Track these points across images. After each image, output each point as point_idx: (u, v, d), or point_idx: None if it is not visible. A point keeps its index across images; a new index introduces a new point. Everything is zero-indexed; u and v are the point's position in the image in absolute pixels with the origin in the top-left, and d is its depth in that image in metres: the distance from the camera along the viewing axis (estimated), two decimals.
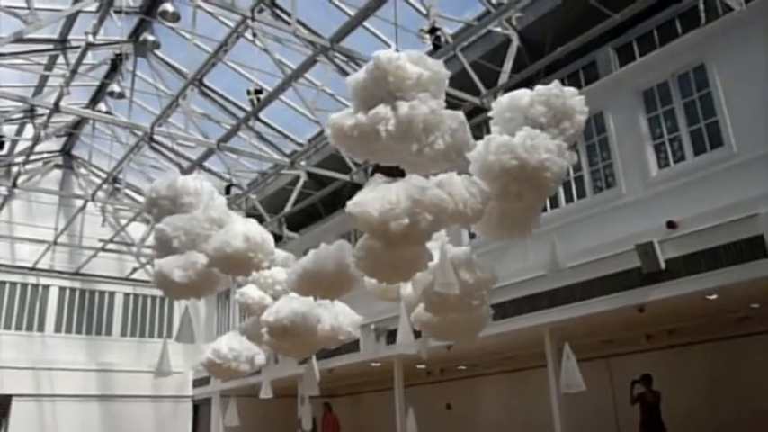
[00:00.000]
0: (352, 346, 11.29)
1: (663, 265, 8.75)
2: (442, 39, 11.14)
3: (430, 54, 11.86)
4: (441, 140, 4.80)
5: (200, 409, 20.39)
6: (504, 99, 5.59)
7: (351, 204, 4.74)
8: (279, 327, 7.13)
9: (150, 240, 20.07)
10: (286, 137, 15.55)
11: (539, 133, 5.18)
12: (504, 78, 11.38)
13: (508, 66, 11.42)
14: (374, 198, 4.70)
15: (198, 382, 19.55)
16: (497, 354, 13.25)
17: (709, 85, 9.32)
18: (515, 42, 11.69)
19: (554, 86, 5.38)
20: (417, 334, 6.43)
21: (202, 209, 7.46)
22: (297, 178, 15.79)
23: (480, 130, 12.94)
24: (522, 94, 5.49)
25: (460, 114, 4.95)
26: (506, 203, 5.38)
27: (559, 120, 5.31)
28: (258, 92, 12.12)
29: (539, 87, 5.41)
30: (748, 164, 8.56)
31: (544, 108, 5.29)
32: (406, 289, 6.28)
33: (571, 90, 5.44)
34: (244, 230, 6.90)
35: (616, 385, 12.24)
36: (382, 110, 4.77)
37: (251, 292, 7.79)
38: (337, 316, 7.47)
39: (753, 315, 10.49)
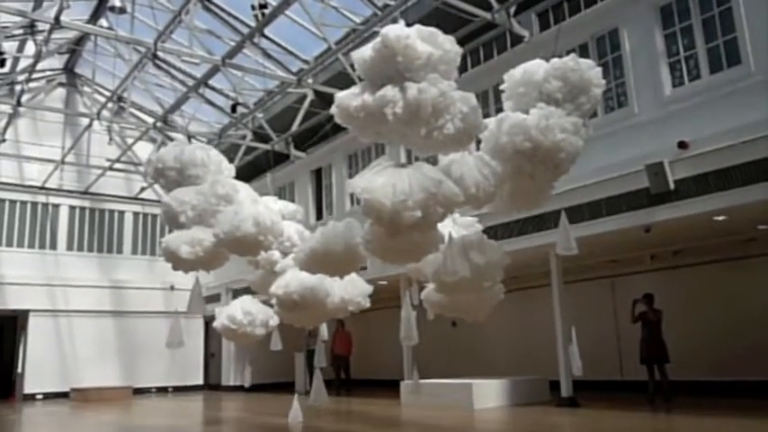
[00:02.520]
0: None
1: (672, 186, 8.71)
2: None
3: None
4: (450, 124, 4.61)
5: (210, 325, 20.92)
6: (516, 72, 5.37)
7: (360, 189, 4.58)
8: (288, 300, 7.19)
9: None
10: (292, 54, 15.21)
11: (554, 111, 4.97)
12: None
13: None
14: (385, 186, 4.54)
15: (209, 299, 19.98)
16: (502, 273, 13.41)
17: None
18: None
19: (570, 59, 5.16)
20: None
21: (209, 183, 7.44)
22: (303, 97, 15.56)
23: (491, 47, 12.63)
24: (537, 68, 5.25)
25: (472, 97, 4.75)
26: (519, 182, 5.25)
27: (576, 95, 5.12)
28: (263, 6, 11.73)
29: (554, 60, 5.18)
30: (765, 83, 8.34)
31: (560, 83, 5.08)
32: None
33: (587, 62, 5.23)
34: (253, 214, 6.88)
35: (619, 304, 12.45)
36: (390, 92, 4.57)
37: None
38: (346, 287, 7.48)
39: (758, 237, 10.51)
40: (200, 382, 20.56)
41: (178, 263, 7.51)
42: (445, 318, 6.64)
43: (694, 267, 11.71)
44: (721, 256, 11.32)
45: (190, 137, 7.68)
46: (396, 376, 13.39)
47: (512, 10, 11.28)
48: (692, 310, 11.36)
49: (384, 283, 12.42)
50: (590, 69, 5.22)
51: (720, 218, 9.08)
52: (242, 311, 8.50)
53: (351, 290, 7.64)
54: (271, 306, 8.06)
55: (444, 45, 4.78)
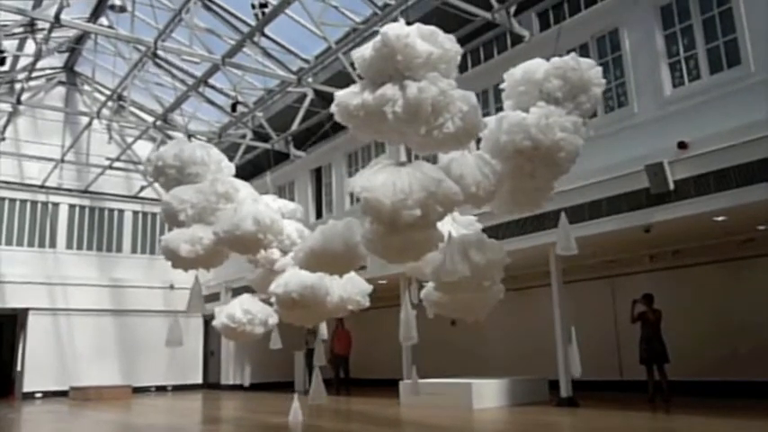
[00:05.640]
0: None
1: (672, 186, 8.70)
2: None
3: None
4: (450, 123, 4.62)
5: (210, 324, 20.90)
6: (517, 72, 5.38)
7: (359, 188, 4.58)
8: (287, 299, 7.17)
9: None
10: (292, 53, 15.20)
11: (553, 110, 4.99)
12: None
13: None
14: (384, 184, 4.54)
15: (208, 298, 19.96)
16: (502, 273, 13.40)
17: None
18: None
19: (571, 59, 5.16)
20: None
21: (209, 181, 7.46)
22: (303, 96, 15.56)
23: (491, 46, 12.63)
24: (537, 67, 5.27)
25: (472, 96, 4.75)
26: (519, 181, 5.26)
27: (576, 94, 5.14)
28: (263, 5, 11.73)
29: (554, 60, 5.19)
30: (765, 83, 8.34)
31: (560, 82, 5.09)
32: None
33: (588, 62, 5.23)
34: (253, 212, 6.90)
35: (618, 304, 12.44)
36: (389, 90, 4.57)
37: None
38: (345, 286, 7.46)
39: (757, 237, 10.52)
40: (200, 380, 20.56)
41: (178, 261, 7.52)
42: (444, 317, 6.64)
43: (693, 268, 11.71)
44: (720, 257, 11.32)
45: (190, 136, 7.68)
46: (395, 376, 13.38)
47: (512, 9, 11.28)
48: (691, 311, 11.35)
49: (384, 282, 12.42)
50: (590, 69, 5.23)
51: (720, 218, 9.09)
52: (241, 310, 8.50)
53: (350, 288, 7.63)
54: (270, 305, 8.08)
55: (444, 44, 4.78)
